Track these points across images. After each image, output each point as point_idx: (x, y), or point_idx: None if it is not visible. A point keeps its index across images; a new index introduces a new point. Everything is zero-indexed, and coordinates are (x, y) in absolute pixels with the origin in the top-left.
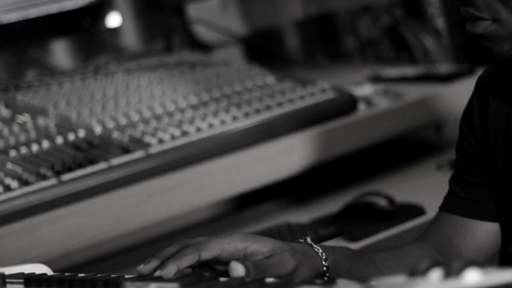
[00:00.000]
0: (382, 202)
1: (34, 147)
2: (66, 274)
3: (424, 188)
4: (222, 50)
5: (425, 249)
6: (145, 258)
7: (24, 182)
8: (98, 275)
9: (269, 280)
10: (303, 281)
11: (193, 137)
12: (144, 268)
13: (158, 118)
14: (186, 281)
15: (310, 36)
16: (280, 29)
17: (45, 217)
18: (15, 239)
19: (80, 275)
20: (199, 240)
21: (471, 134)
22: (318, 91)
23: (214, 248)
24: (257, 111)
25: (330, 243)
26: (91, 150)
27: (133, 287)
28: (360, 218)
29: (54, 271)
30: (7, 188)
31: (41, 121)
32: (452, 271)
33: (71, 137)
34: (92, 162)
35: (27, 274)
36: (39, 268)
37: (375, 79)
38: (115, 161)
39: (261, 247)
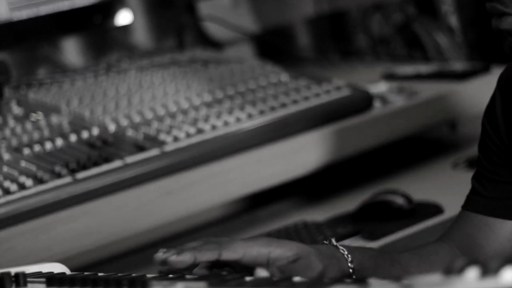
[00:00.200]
0: (399, 200)
1: (48, 145)
2: (88, 273)
3: (440, 186)
4: (233, 47)
5: (448, 249)
6: None
7: (38, 180)
8: (119, 274)
9: (298, 279)
10: (333, 280)
11: (208, 134)
12: (162, 255)
13: (172, 115)
14: (213, 279)
15: (321, 33)
16: (292, 27)
17: (60, 216)
18: (30, 237)
19: (99, 274)
20: (222, 240)
21: (494, 131)
22: (334, 88)
23: (236, 250)
24: (272, 108)
25: (347, 242)
26: (105, 148)
27: (159, 286)
28: (377, 217)
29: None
30: (22, 187)
31: (54, 119)
32: (489, 269)
33: (85, 135)
34: (107, 160)
35: (48, 273)
36: (57, 267)
37: (389, 76)
38: (130, 159)
39: (285, 251)
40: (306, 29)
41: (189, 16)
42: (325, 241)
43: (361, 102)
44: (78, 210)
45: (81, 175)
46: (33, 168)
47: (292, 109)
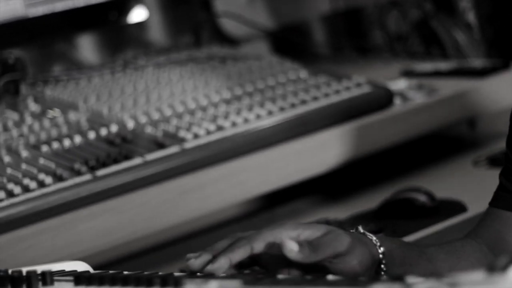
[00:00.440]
0: (422, 198)
1: (66, 142)
2: (116, 271)
3: (462, 184)
4: (249, 44)
5: (476, 245)
6: (180, 255)
7: (58, 178)
8: (146, 272)
9: (334, 277)
10: (370, 279)
11: (229, 131)
12: (195, 262)
13: (191, 112)
14: (248, 278)
15: (337, 30)
16: (308, 23)
17: (80, 214)
18: (50, 236)
19: (127, 273)
20: (250, 233)
21: None
22: (354, 85)
23: (266, 238)
24: (293, 105)
25: None
26: (124, 145)
27: (192, 284)
28: (400, 215)
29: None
30: (42, 184)
31: (72, 116)
32: None
33: (104, 132)
34: (126, 157)
35: (74, 271)
36: (79, 266)
37: (408, 73)
38: (150, 156)
39: (314, 232)
40: (322, 25)
41: (205, 13)
42: (351, 230)
43: (381, 99)
44: (98, 208)
45: (101, 172)
46: (52, 165)
47: (312, 106)
